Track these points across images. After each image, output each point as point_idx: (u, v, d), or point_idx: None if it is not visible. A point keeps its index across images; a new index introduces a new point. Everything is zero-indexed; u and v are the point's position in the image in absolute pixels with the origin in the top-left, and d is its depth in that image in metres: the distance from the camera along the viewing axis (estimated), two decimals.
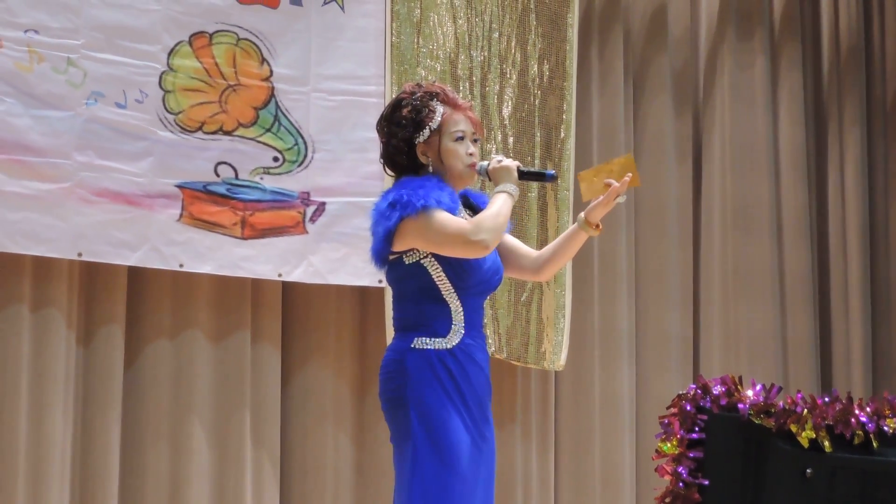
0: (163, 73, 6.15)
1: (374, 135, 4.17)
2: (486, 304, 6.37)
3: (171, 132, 6.14)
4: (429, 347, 3.93)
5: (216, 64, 6.24)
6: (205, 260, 6.17)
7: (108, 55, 6.05)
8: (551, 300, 6.76)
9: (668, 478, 4.57)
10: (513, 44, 6.77)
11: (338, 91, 6.44)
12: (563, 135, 6.84)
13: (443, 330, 3.95)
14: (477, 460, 3.92)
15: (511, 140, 6.72)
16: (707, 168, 7.54)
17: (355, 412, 6.53)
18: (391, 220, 3.90)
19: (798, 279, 7.54)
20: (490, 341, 6.56)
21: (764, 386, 4.70)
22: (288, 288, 6.44)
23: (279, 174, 6.32)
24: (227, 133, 6.24)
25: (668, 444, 4.60)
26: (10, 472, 5.85)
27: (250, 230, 6.24)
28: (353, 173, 6.41)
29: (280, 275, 6.30)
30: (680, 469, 4.54)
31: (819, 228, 7.73)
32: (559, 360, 6.79)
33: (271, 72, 6.34)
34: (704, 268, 7.47)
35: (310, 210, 6.35)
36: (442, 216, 3.90)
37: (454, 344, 3.95)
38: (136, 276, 6.18)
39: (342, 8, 6.50)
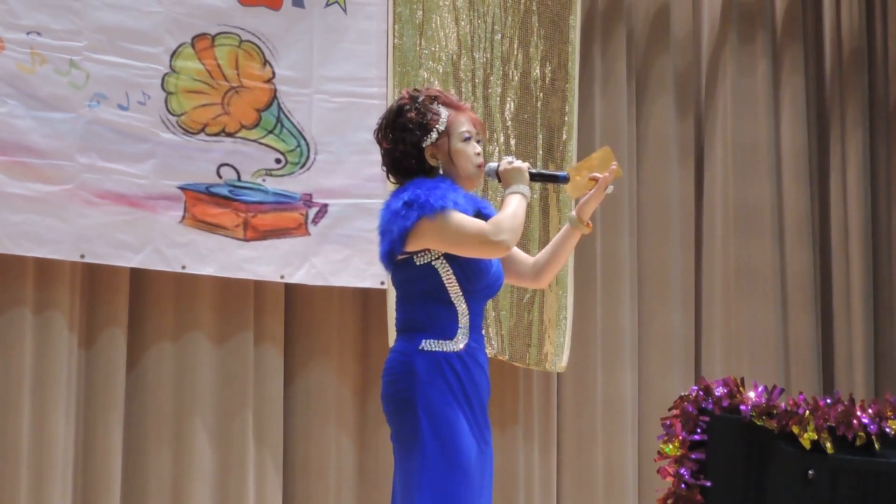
0: (165, 74, 6.15)
1: None
2: (489, 305, 6.39)
3: (174, 134, 6.14)
4: (437, 350, 3.93)
5: (218, 66, 6.24)
6: (207, 262, 6.17)
7: (111, 57, 6.05)
8: (553, 301, 6.76)
9: (670, 479, 4.57)
10: (515, 45, 6.78)
11: (340, 93, 6.44)
12: (564, 137, 6.84)
13: (450, 332, 3.96)
14: (480, 462, 3.93)
15: (513, 142, 6.72)
16: (709, 169, 7.54)
17: (357, 413, 6.53)
18: (409, 219, 3.90)
19: (800, 281, 7.54)
20: (493, 342, 6.56)
21: (766, 387, 4.71)
22: (290, 289, 6.45)
23: (281, 176, 6.32)
24: (230, 135, 6.25)
25: (670, 446, 4.60)
26: (12, 474, 5.85)
27: (253, 232, 6.25)
28: (355, 175, 6.41)
29: (282, 276, 6.30)
30: (682, 471, 4.54)
31: (821, 230, 7.73)
32: (561, 362, 6.79)
33: (274, 73, 6.35)
34: (706, 269, 7.47)
35: (312, 212, 6.35)
36: (460, 217, 3.91)
37: (461, 347, 3.96)
38: (139, 278, 6.18)
39: (344, 10, 6.50)
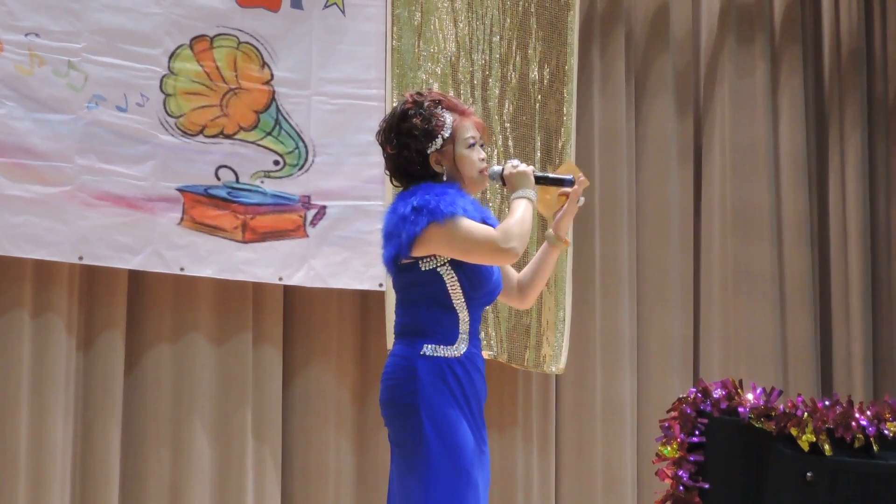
0: (164, 76, 6.15)
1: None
2: (488, 307, 6.38)
3: (172, 136, 6.14)
4: (439, 355, 3.93)
5: (217, 67, 6.24)
6: (206, 263, 6.17)
7: (110, 58, 6.05)
8: (552, 304, 6.76)
9: (668, 481, 4.58)
10: (513, 47, 6.78)
11: (339, 95, 6.44)
12: (563, 139, 6.84)
13: (451, 338, 3.96)
14: (480, 466, 3.93)
15: (511, 144, 6.72)
16: (708, 171, 7.54)
17: (356, 415, 6.53)
18: (418, 224, 3.90)
19: (799, 282, 7.53)
20: (492, 344, 6.56)
21: (764, 389, 4.71)
22: (289, 291, 6.44)
23: (280, 178, 6.32)
24: (228, 137, 6.25)
25: (669, 448, 4.60)
26: (10, 477, 5.84)
27: (251, 234, 6.25)
28: (354, 177, 6.41)
29: (281, 278, 6.30)
30: (680, 473, 4.55)
31: (820, 231, 7.72)
32: (559, 364, 6.79)
33: (272, 75, 6.34)
34: (705, 271, 7.47)
35: (311, 214, 6.35)
36: (469, 224, 3.91)
37: (462, 352, 3.96)
38: (137, 280, 6.18)
39: (343, 11, 6.50)
